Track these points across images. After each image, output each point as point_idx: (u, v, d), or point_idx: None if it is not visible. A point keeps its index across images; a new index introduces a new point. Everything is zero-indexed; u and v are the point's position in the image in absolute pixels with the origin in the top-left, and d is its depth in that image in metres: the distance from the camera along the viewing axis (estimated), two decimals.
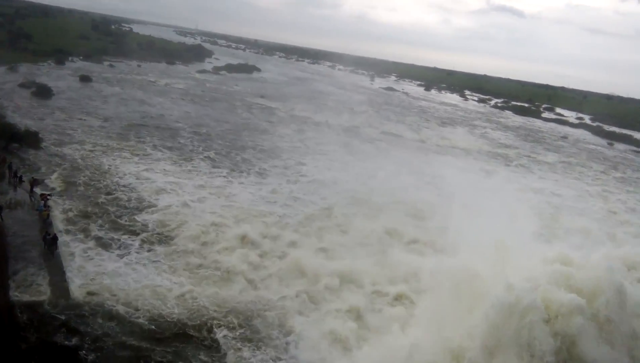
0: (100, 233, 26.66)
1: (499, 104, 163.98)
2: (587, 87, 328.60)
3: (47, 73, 79.67)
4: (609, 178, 63.90)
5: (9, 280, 19.23)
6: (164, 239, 27.27)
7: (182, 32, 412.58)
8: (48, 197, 27.91)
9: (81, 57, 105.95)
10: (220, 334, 19.59)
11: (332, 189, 39.09)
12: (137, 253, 25.27)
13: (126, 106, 63.19)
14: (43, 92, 60.63)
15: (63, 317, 18.70)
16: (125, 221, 28.80)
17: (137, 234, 27.32)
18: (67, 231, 26.07)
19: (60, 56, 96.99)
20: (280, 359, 18.86)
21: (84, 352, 17.39)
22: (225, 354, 18.66)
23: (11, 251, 20.96)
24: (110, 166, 37.98)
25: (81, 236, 26.01)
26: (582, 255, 19.84)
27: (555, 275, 18.15)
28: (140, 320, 19.52)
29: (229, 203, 33.86)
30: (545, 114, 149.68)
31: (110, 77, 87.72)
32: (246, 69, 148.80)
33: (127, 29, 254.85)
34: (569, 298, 16.97)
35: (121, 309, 19.87)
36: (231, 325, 20.18)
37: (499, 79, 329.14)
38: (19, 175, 30.74)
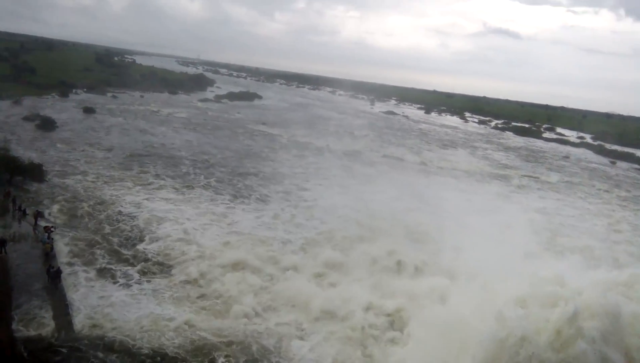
0: (103, 264, 26.92)
1: (500, 126, 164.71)
2: (587, 106, 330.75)
3: (51, 106, 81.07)
4: (612, 196, 63.81)
5: (12, 313, 19.32)
6: (165, 269, 27.46)
7: (184, 62, 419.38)
8: (52, 229, 28.14)
9: (85, 90, 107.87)
10: None
11: (333, 214, 39.26)
12: (138, 283, 25.43)
13: (129, 136, 64.04)
14: (47, 125, 61.69)
15: (65, 350, 18.73)
16: (127, 251, 29.09)
17: (139, 264, 27.54)
18: (70, 264, 26.28)
19: (64, 88, 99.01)
20: None
21: None
22: None
23: (15, 285, 21.14)
24: (112, 196, 38.33)
25: (84, 267, 26.22)
26: (577, 275, 19.59)
27: (549, 297, 17.79)
28: (143, 351, 19.54)
29: (230, 230, 34.08)
30: (546, 134, 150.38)
31: (114, 108, 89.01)
32: (248, 96, 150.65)
33: (130, 60, 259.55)
34: (566, 319, 16.46)
35: (123, 340, 19.92)
36: (232, 354, 20.11)
37: (499, 101, 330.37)
38: (22, 208, 31.09)
